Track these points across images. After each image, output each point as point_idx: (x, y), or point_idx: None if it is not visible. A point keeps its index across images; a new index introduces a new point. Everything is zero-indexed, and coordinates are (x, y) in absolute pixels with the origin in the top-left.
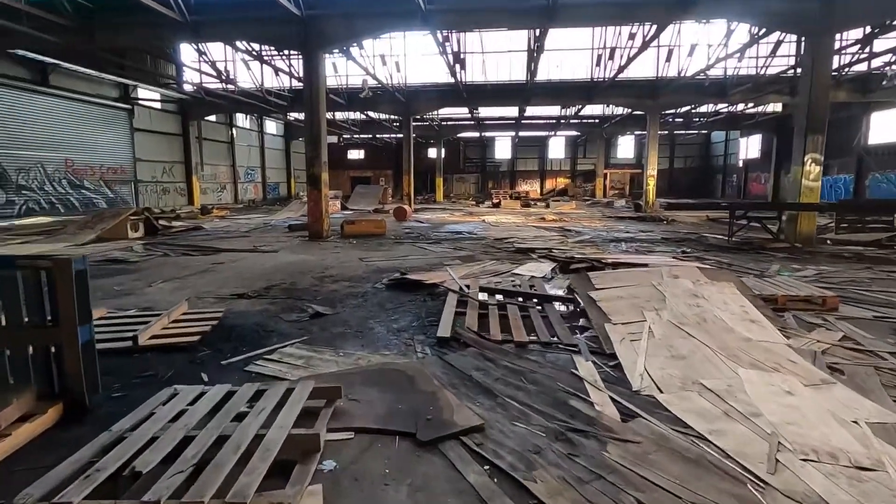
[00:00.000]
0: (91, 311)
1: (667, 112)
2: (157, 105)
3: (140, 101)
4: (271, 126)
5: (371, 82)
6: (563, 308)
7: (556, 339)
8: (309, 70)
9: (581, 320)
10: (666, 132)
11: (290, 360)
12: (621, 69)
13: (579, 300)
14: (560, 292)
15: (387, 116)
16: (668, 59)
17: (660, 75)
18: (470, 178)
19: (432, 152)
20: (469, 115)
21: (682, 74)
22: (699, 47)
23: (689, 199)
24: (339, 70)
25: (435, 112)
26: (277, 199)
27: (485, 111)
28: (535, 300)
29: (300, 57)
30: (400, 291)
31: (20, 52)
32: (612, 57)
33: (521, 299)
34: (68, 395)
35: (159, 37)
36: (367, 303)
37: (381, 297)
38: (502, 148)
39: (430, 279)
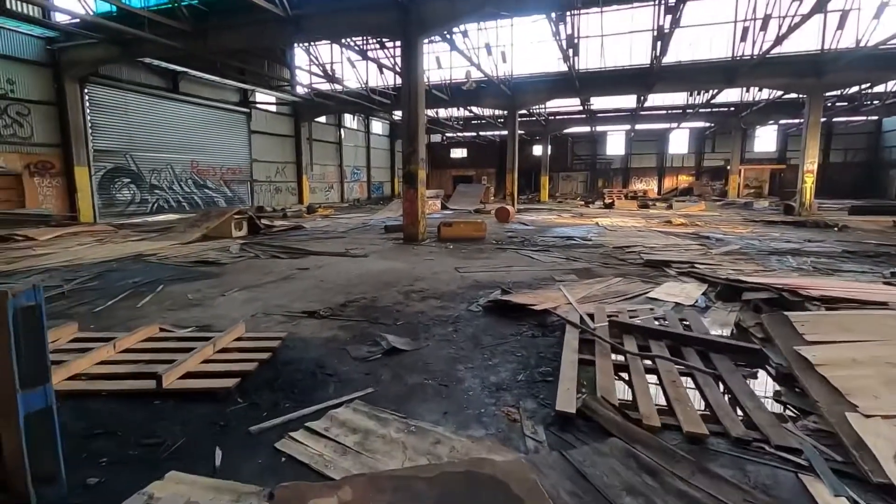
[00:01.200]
0: (49, 365)
1: (829, 94)
2: (272, 108)
3: (257, 105)
4: (377, 126)
5: (475, 74)
6: (744, 365)
7: (756, 433)
8: (408, 58)
9: (783, 388)
10: (823, 119)
11: (341, 436)
12: (778, 41)
13: (775, 356)
14: (725, 332)
15: (491, 112)
16: (840, 27)
17: (827, 47)
18: (578, 177)
19: (537, 149)
20: (580, 108)
21: (863, 44)
22: (891, 7)
23: (853, 200)
24: (443, 64)
25: (542, 106)
26: (381, 199)
27: (598, 103)
28: (694, 345)
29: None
30: (501, 318)
31: (154, 62)
32: (764, 27)
33: (670, 341)
34: (4, 493)
35: (264, 34)
36: (459, 334)
37: (476, 325)
38: (615, 143)
39: (540, 303)
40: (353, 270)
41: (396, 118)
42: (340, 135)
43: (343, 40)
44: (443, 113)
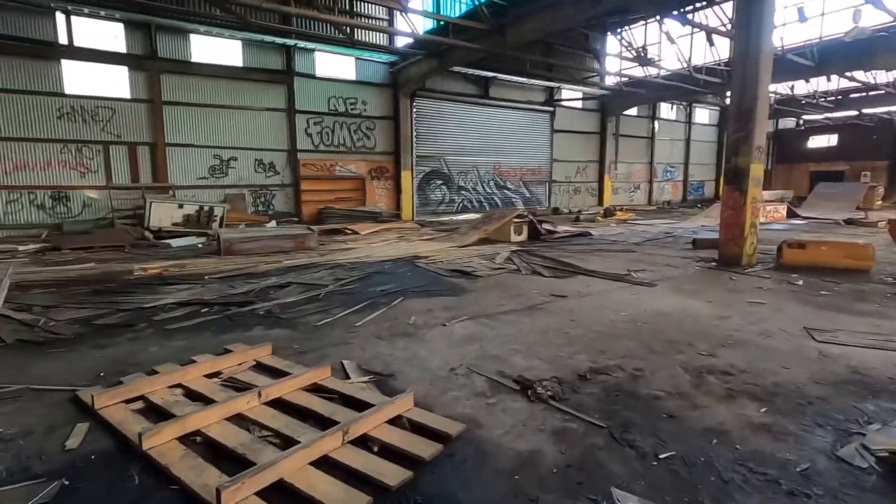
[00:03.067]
0: None
1: None
2: (578, 104)
3: (561, 102)
4: (702, 114)
5: (867, 19)
6: None
7: None
8: (746, 5)
9: None
10: None
11: None
12: None
13: None
14: None
15: (890, 78)
16: None
17: None
18: None
19: None
20: None
21: None
22: None
23: None
24: (809, 12)
25: None
26: (699, 201)
27: None
28: None
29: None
30: None
31: (469, 71)
32: None
33: None
34: None
35: (559, 18)
36: None
37: None
38: None
39: None
40: (623, 309)
41: (728, 103)
42: (653, 127)
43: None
44: (801, 89)
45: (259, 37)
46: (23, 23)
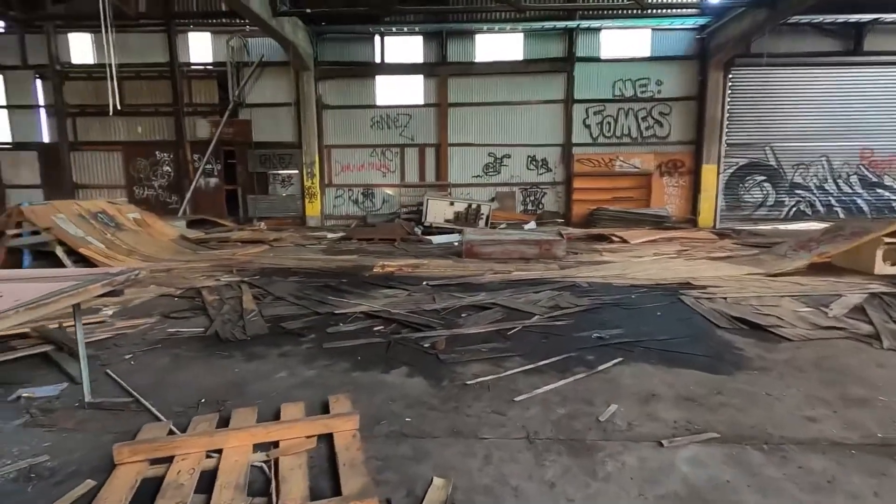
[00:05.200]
0: None
1: None
2: None
3: None
4: None
5: None
6: None
7: None
8: None
9: None
10: None
11: None
12: None
13: None
14: None
15: None
16: None
17: None
18: None
19: None
20: None
21: None
22: None
23: None
24: None
25: None
26: None
27: None
28: None
29: None
30: None
31: (825, 18)
32: None
33: None
34: None
35: None
36: None
37: None
38: None
39: None
40: None
41: None
42: None
43: None
44: None
45: (540, 24)
46: (353, 50)
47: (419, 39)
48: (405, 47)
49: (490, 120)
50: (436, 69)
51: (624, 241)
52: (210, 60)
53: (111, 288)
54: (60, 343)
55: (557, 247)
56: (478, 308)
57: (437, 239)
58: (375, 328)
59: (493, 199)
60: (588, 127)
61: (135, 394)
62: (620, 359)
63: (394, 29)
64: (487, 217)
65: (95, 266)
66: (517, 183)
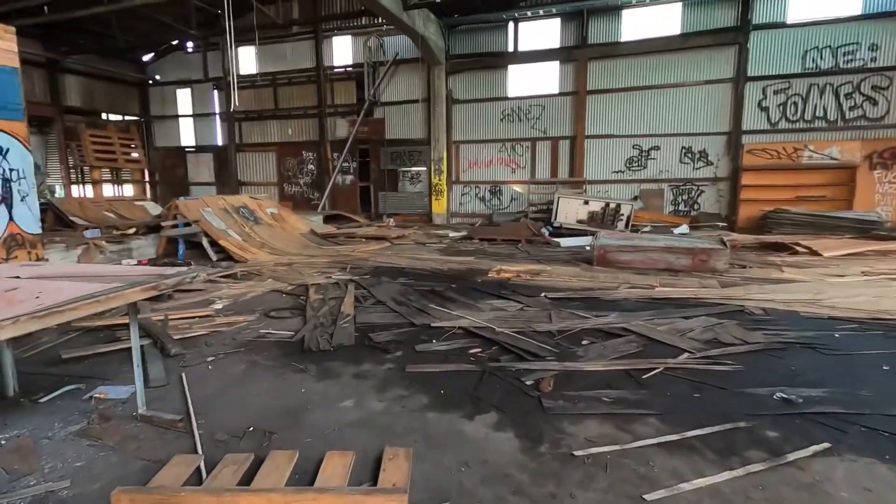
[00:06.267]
0: None
1: None
2: None
3: None
4: None
5: None
6: None
7: None
8: None
9: None
10: None
11: None
12: None
13: None
14: None
15: None
16: None
17: None
18: None
19: None
20: None
21: None
22: None
23: None
24: None
25: None
26: None
27: None
28: None
29: None
30: None
31: None
32: None
33: None
34: None
35: None
36: None
37: None
38: None
39: None
40: None
41: None
42: None
43: None
44: None
45: None
46: (485, 40)
47: (556, 22)
48: (541, 32)
49: (636, 107)
50: (574, 53)
51: (814, 252)
52: (350, 62)
53: (156, 293)
54: (156, 337)
55: (718, 257)
56: (604, 334)
57: (565, 241)
58: (472, 350)
59: (635, 198)
60: (765, 110)
61: (191, 409)
62: (826, 444)
63: (529, 13)
64: (628, 218)
65: (232, 258)
66: (667, 179)
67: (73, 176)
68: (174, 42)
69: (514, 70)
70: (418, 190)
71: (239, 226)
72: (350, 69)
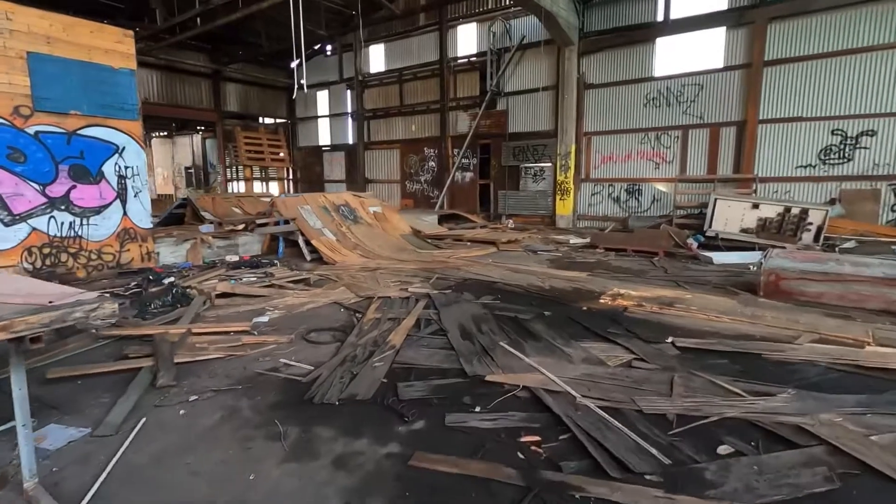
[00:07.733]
0: None
1: None
2: None
3: None
4: None
5: None
6: None
7: None
8: None
9: None
10: None
11: None
12: None
13: None
14: None
15: None
16: None
17: None
18: None
19: None
20: None
21: None
22: None
23: None
24: None
25: None
26: None
27: None
28: None
29: None
30: None
31: None
32: None
33: None
34: None
35: None
36: None
37: None
38: None
39: None
40: None
41: None
42: None
43: None
44: None
45: None
46: (626, 11)
47: None
48: None
49: (839, 79)
50: (748, 14)
51: None
52: (474, 52)
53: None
54: (156, 359)
55: None
56: (763, 434)
57: (720, 257)
58: (525, 438)
59: (832, 202)
60: None
61: (88, 495)
62: None
63: None
64: (819, 229)
65: (322, 258)
66: (885, 176)
67: (228, 174)
68: (316, 46)
69: (662, 44)
70: (541, 188)
71: (336, 225)
72: (473, 59)
